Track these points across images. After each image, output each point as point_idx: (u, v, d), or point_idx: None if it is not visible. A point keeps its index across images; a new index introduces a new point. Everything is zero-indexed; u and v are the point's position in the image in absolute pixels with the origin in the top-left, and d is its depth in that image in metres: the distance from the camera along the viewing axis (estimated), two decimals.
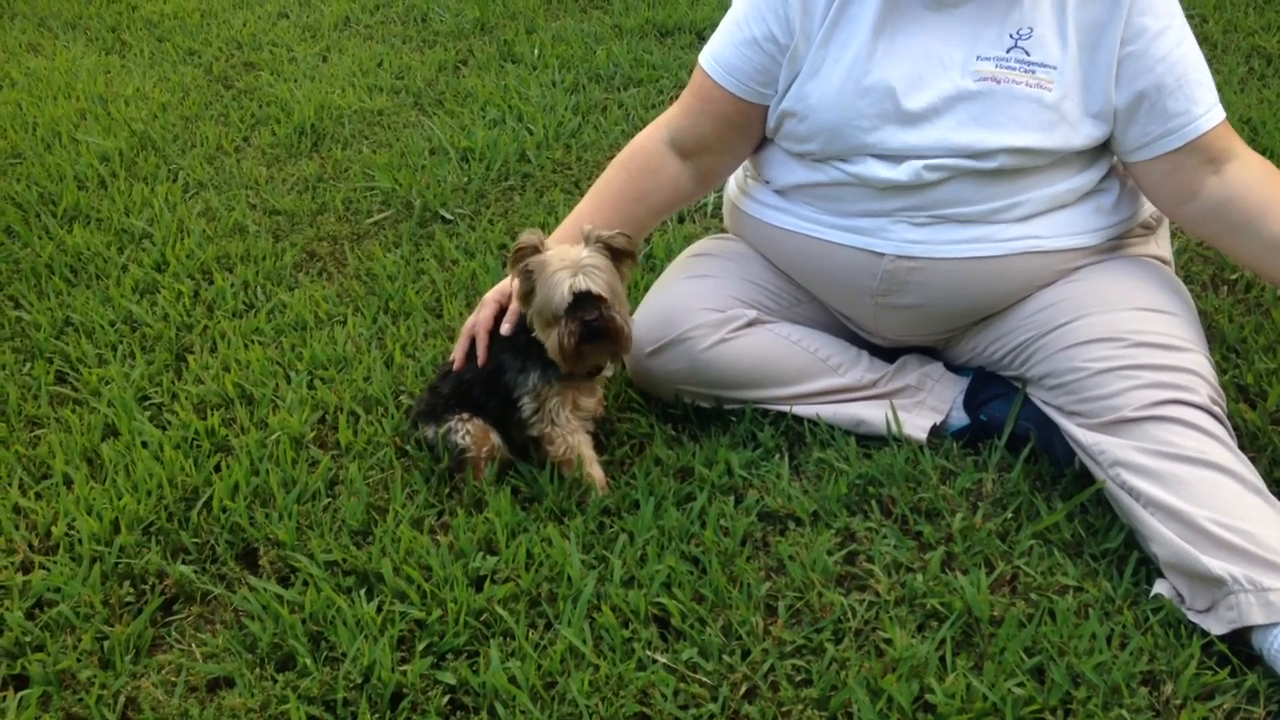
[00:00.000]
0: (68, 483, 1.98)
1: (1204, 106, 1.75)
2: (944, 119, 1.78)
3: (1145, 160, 1.80)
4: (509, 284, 1.90)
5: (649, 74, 3.65)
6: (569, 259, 1.76)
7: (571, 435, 1.86)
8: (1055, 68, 1.76)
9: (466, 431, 1.87)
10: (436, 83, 3.73)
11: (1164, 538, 1.59)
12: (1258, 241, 1.73)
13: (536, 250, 1.79)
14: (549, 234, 1.93)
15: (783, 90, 1.89)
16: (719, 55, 1.93)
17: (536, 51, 3.89)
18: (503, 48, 3.97)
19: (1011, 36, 1.77)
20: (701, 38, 3.96)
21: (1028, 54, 1.76)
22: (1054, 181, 1.82)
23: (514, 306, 1.88)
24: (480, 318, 1.94)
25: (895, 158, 1.81)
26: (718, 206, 2.79)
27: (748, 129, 1.97)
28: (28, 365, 2.34)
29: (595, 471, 1.89)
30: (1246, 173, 1.76)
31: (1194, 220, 1.81)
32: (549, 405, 1.85)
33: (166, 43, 4.23)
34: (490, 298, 1.96)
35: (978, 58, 1.78)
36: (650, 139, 2.01)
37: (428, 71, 3.80)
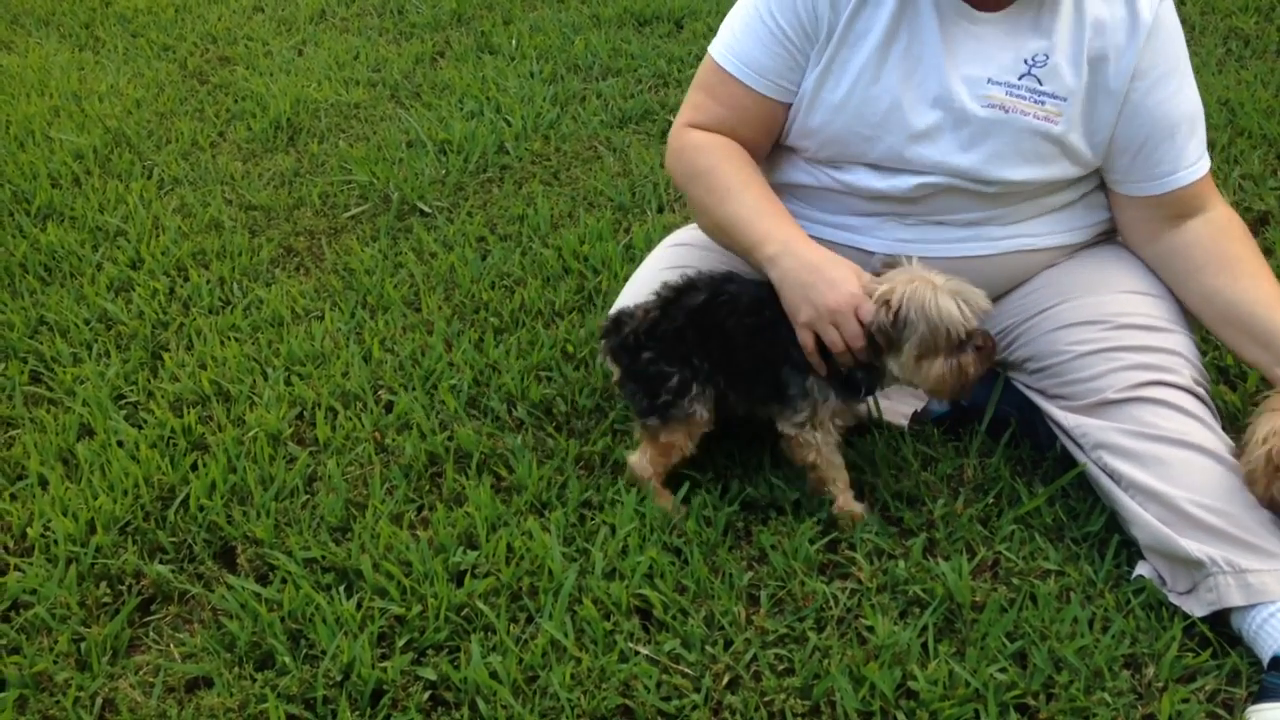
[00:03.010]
0: (43, 483, 1.95)
1: (1190, 160, 1.75)
2: (947, 139, 1.74)
3: (1122, 195, 1.81)
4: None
5: (627, 64, 3.62)
6: (933, 282, 1.63)
7: (829, 449, 1.76)
8: (1065, 99, 1.71)
9: (700, 408, 1.74)
10: (413, 75, 3.70)
11: (1144, 520, 1.59)
12: (1193, 295, 1.76)
13: (886, 303, 1.63)
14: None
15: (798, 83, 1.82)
16: (743, 54, 1.80)
17: (514, 42, 3.87)
18: (480, 39, 3.95)
19: (1026, 63, 1.71)
20: (680, 26, 3.94)
21: (1040, 83, 1.71)
22: (1047, 195, 1.81)
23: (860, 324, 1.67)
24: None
25: (890, 169, 1.77)
26: None
27: (776, 126, 1.86)
28: (1, 365, 2.31)
29: (852, 506, 1.78)
30: (1204, 229, 1.76)
31: (1149, 261, 1.83)
32: (821, 414, 1.74)
33: (140, 38, 4.19)
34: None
35: (989, 81, 1.72)
36: (697, 133, 1.87)
37: (404, 64, 3.77)
